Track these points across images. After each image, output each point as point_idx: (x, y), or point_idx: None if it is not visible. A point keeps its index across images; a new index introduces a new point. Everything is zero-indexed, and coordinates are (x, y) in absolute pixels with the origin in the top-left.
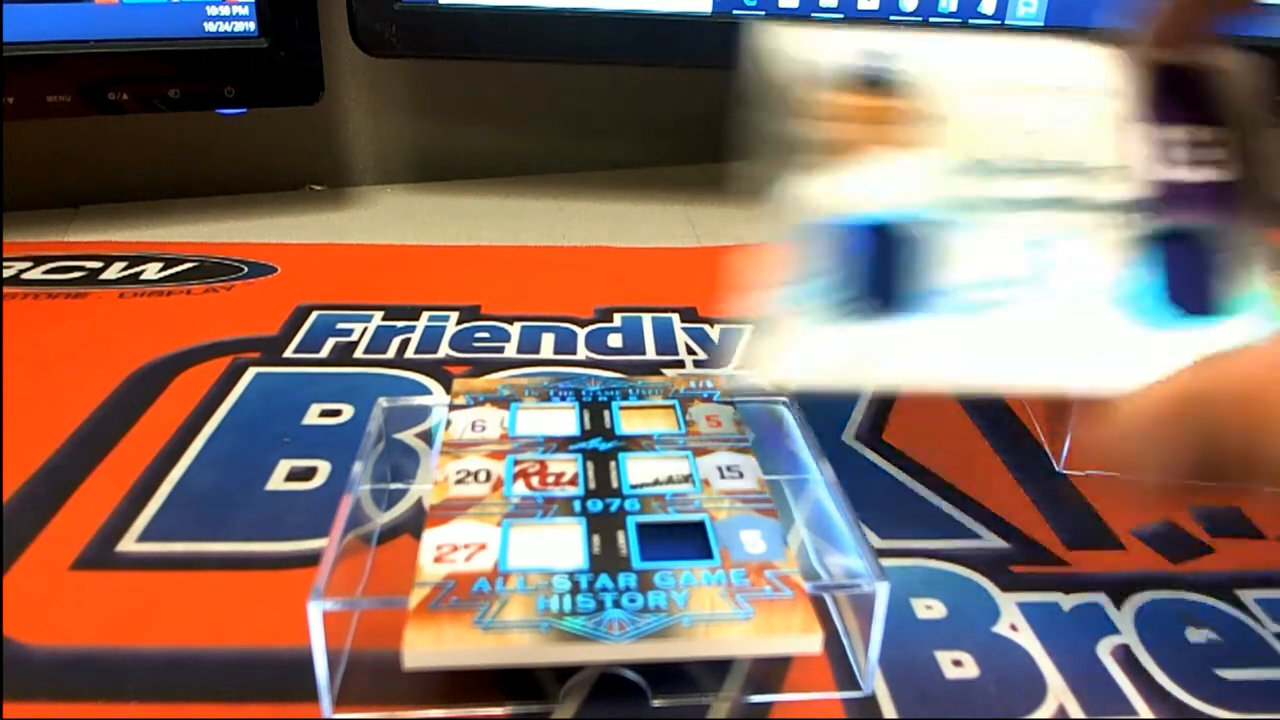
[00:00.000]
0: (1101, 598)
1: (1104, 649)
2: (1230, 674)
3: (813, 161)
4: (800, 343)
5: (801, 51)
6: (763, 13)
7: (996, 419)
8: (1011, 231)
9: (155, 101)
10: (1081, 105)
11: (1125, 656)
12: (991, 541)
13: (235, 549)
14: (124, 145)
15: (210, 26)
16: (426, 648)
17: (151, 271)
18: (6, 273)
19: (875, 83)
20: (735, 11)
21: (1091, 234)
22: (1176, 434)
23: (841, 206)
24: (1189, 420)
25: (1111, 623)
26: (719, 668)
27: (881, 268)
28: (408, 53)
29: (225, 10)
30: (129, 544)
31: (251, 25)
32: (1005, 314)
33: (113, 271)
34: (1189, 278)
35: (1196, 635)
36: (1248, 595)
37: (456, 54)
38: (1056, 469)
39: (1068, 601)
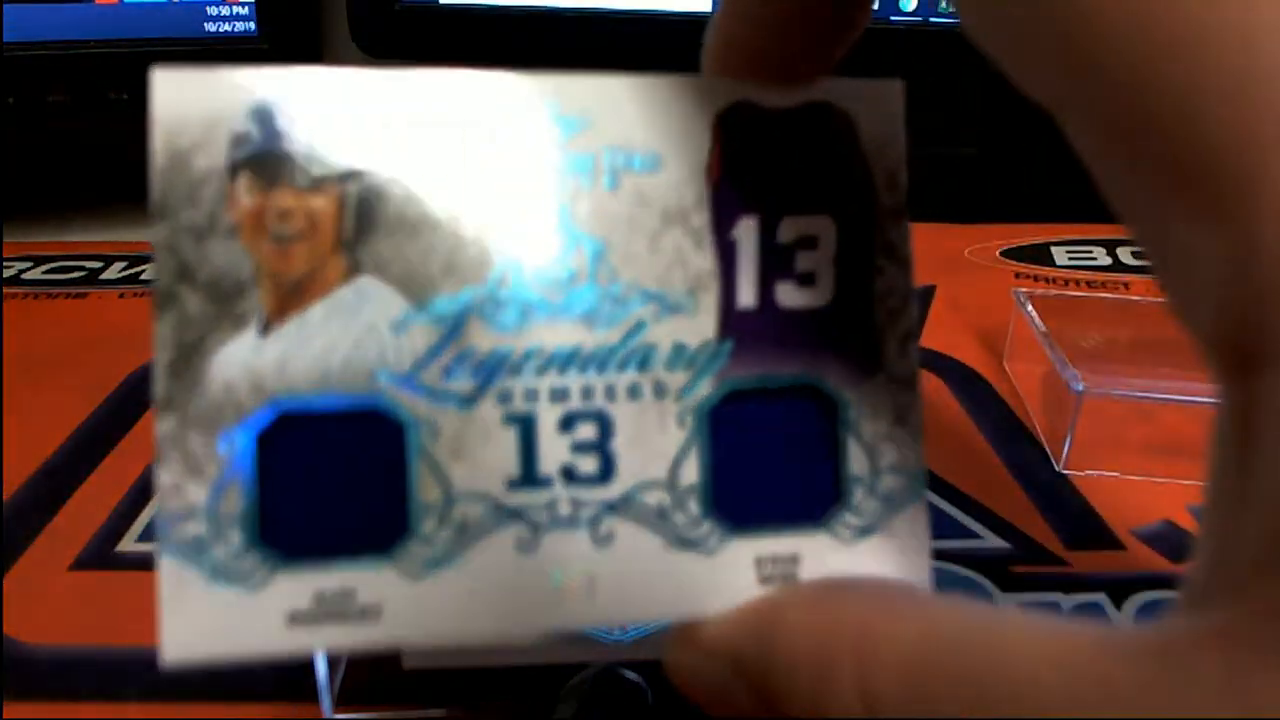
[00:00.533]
0: (1101, 598)
1: None
2: None
3: (217, 312)
4: (200, 604)
5: (203, 114)
6: None
7: (996, 419)
8: (518, 407)
9: None
10: (623, 185)
11: None
12: (991, 541)
13: None
14: (124, 145)
15: (210, 27)
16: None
17: (151, 271)
18: (6, 273)
19: (270, 166)
20: None
21: (642, 405)
22: (733, 686)
23: (240, 390)
24: (744, 676)
25: (1112, 623)
26: None
27: (321, 486)
28: (408, 53)
29: (225, 10)
30: (128, 544)
31: (251, 25)
32: (522, 538)
33: (113, 271)
34: (765, 465)
35: None
36: None
37: (456, 54)
38: (1056, 469)
39: (1068, 601)
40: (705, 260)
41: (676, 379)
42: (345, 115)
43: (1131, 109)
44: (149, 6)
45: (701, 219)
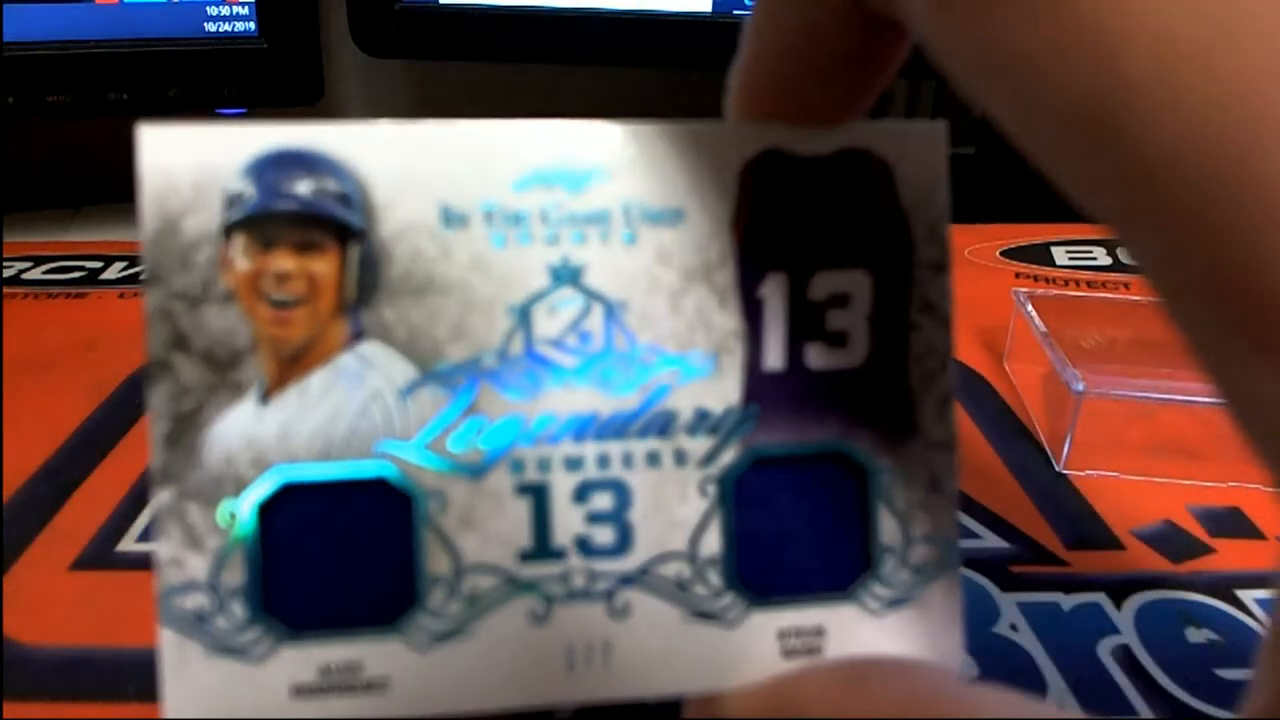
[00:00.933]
0: (1101, 598)
1: (1104, 649)
2: (1230, 674)
3: (216, 381)
4: (203, 675)
5: (193, 173)
6: None
7: (997, 419)
8: (530, 477)
9: (155, 101)
10: (643, 241)
11: (1125, 656)
12: (991, 541)
13: None
14: (124, 145)
15: (210, 26)
16: None
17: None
18: (6, 273)
19: (267, 227)
20: (736, 11)
21: (662, 473)
22: None
23: (240, 461)
24: None
25: (1111, 623)
26: None
27: (325, 557)
28: (408, 53)
29: (225, 10)
30: (129, 544)
31: (251, 25)
32: (534, 610)
33: (113, 271)
34: (790, 534)
35: (1196, 635)
36: (1248, 595)
37: (456, 54)
38: (1056, 469)
39: (1068, 601)
40: (730, 320)
41: (698, 446)
42: (344, 173)
43: (1198, 240)
44: (149, 6)
45: (726, 276)
